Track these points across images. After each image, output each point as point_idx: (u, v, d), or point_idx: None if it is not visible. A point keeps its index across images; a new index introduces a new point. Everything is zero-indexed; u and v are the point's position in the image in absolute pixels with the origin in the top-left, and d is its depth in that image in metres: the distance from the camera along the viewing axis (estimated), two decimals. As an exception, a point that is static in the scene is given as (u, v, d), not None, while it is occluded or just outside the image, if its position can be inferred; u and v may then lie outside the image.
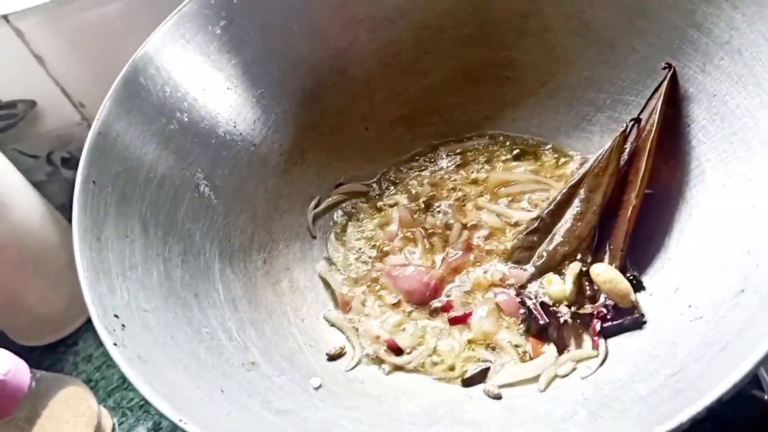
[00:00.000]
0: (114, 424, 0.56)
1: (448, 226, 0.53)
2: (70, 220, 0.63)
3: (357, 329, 0.49)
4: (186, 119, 0.50)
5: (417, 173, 0.57)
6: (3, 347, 0.47)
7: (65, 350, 0.62)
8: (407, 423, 0.41)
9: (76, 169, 0.68)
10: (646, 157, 0.47)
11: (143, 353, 0.37)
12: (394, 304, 0.50)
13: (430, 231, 0.53)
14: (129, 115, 0.47)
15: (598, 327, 0.43)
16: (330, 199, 0.57)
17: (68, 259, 0.60)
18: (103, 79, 0.63)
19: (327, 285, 0.53)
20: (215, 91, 0.52)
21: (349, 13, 0.55)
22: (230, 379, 0.41)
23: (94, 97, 0.64)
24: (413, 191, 0.56)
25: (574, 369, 0.42)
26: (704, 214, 0.43)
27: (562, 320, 0.44)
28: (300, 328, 0.49)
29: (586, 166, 0.50)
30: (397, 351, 0.47)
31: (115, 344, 0.36)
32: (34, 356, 0.62)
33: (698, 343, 0.35)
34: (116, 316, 0.38)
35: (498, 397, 0.43)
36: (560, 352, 0.44)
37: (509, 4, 0.53)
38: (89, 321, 0.63)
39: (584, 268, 0.47)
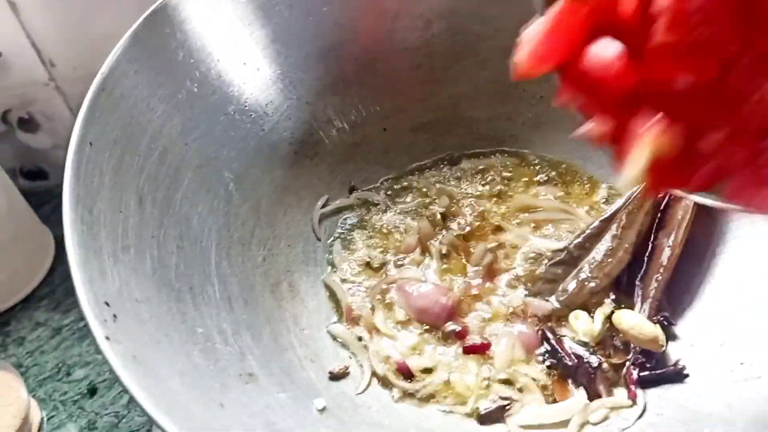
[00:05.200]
0: (43, 419, 0.49)
1: (470, 246, 0.49)
2: (19, 187, 0.57)
3: (366, 347, 0.44)
4: (195, 89, 0.45)
5: (435, 182, 0.53)
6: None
7: (-6, 329, 0.54)
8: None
9: (35, 132, 0.62)
10: (692, 204, 0.44)
11: (138, 352, 0.31)
12: (403, 322, 0.46)
13: (448, 248, 0.49)
14: (136, 74, 0.41)
15: (635, 375, 0.40)
16: (339, 201, 0.52)
17: (13, 231, 0.54)
18: (80, 41, 0.57)
19: (331, 293, 0.48)
20: (230, 64, 0.47)
21: (385, 5, 0.51)
22: (229, 392, 0.35)
23: (66, 58, 0.58)
24: (429, 202, 0.52)
25: (607, 417, 0.39)
26: (750, 263, 0.41)
27: (595, 364, 0.41)
28: (300, 339, 0.44)
29: (620, 201, 0.47)
30: (408, 375, 0.43)
31: (108, 338, 0.29)
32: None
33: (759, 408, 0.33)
34: (107, 304, 0.32)
35: (519, 440, 0.39)
36: (591, 398, 0.40)
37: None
38: (26, 299, 0.56)
39: (615, 310, 0.44)
